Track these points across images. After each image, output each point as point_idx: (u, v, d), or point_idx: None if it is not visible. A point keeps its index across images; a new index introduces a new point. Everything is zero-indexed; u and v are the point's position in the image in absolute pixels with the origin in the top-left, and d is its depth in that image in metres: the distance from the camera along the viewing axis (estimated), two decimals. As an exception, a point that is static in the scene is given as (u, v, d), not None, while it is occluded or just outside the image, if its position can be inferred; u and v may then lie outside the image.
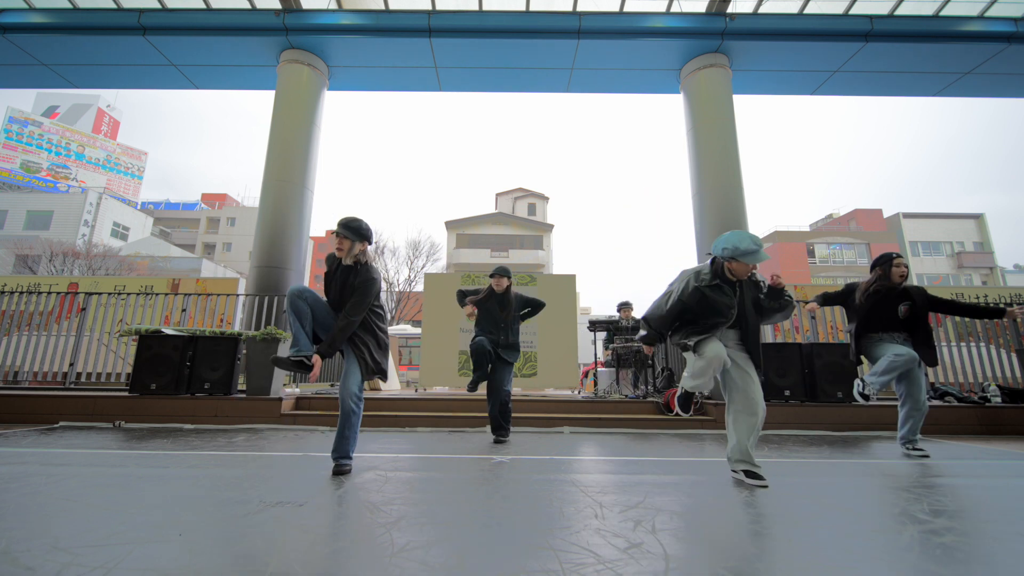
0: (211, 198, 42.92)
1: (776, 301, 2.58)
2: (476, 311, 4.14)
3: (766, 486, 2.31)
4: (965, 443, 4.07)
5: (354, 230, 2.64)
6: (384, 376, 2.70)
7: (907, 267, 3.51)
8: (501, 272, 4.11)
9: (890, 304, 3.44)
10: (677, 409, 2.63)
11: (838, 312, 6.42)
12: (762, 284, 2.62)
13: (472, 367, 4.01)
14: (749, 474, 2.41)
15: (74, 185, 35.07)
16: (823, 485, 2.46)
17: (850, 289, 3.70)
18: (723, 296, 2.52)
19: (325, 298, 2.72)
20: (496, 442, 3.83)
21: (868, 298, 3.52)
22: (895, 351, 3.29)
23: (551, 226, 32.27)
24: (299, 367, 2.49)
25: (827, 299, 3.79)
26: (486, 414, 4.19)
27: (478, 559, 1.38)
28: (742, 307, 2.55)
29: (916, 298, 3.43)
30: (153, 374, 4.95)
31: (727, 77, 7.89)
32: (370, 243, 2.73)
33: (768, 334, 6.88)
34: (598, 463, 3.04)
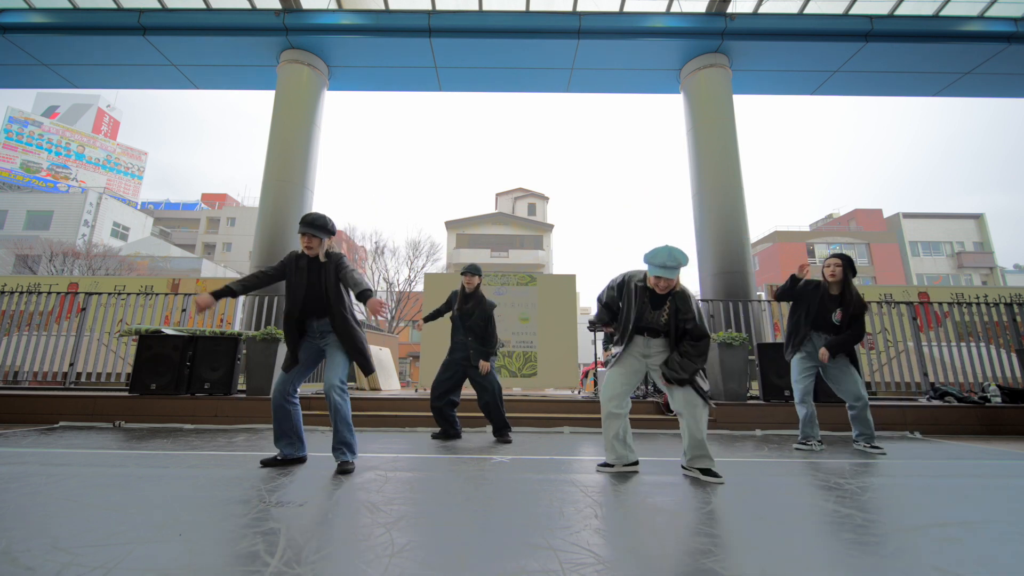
0: (211, 198, 42.91)
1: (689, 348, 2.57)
2: (423, 325, 4.35)
3: (723, 482, 2.37)
4: (965, 443, 4.07)
5: (321, 227, 2.67)
6: (367, 366, 2.72)
7: (840, 268, 3.48)
8: (472, 271, 3.97)
9: (826, 307, 3.48)
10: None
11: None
12: (687, 315, 2.58)
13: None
14: (705, 471, 2.46)
15: (74, 185, 35.07)
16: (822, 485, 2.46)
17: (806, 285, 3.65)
18: (642, 304, 2.63)
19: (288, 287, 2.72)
20: (499, 442, 3.81)
21: (808, 292, 3.57)
22: (794, 384, 3.62)
23: (551, 226, 32.26)
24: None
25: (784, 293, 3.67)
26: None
27: (478, 559, 1.38)
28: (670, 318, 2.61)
29: (849, 307, 3.41)
30: (153, 374, 4.95)
31: (727, 77, 7.90)
32: (334, 235, 2.78)
33: (768, 334, 6.88)
34: (598, 463, 3.03)
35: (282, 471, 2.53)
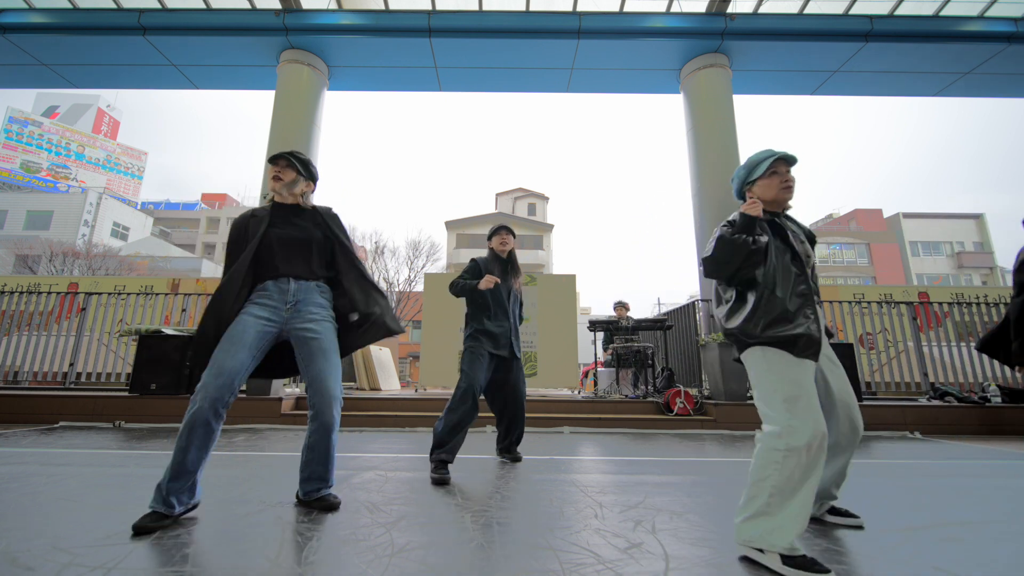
0: (211, 198, 42.91)
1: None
2: (496, 282, 2.83)
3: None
4: (965, 443, 4.07)
5: (304, 163, 2.09)
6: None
7: None
8: (507, 228, 3.07)
9: None
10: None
11: (837, 310, 6.35)
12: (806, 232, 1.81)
13: (449, 427, 2.50)
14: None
15: (74, 185, 35.06)
16: (823, 485, 2.45)
17: None
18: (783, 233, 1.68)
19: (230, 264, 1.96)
20: (513, 460, 2.97)
21: None
22: None
23: (551, 226, 32.27)
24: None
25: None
26: (487, 414, 4.10)
27: (478, 559, 1.38)
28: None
29: None
30: (153, 374, 4.95)
31: (727, 77, 7.89)
32: (315, 184, 2.18)
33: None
34: (598, 463, 3.04)
35: (279, 472, 2.52)
